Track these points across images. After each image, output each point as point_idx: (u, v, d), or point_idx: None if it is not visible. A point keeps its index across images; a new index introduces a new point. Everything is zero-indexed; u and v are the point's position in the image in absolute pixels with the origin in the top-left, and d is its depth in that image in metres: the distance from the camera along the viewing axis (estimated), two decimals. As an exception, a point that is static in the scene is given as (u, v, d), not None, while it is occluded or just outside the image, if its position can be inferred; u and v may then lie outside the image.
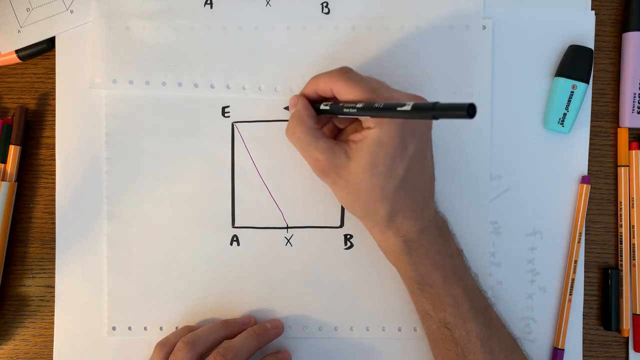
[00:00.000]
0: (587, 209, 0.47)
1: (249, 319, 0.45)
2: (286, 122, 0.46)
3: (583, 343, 0.47)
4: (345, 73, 0.40)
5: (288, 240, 0.47)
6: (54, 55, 0.47)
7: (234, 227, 0.47)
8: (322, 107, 0.41)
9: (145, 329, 0.46)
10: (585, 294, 0.47)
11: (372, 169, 0.38)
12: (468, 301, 0.40)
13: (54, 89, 0.47)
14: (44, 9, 0.47)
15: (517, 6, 0.47)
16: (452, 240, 0.42)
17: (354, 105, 0.38)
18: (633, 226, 0.46)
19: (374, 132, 0.38)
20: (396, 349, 0.46)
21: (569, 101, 0.45)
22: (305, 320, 0.46)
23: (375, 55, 0.46)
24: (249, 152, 0.47)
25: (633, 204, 0.46)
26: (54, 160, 0.47)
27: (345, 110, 0.38)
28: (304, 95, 0.43)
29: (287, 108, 0.46)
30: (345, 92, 0.39)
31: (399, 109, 0.34)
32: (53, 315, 0.47)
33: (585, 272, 0.47)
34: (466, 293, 0.40)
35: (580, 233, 0.46)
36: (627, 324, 0.47)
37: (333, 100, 0.41)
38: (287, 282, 0.46)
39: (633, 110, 0.46)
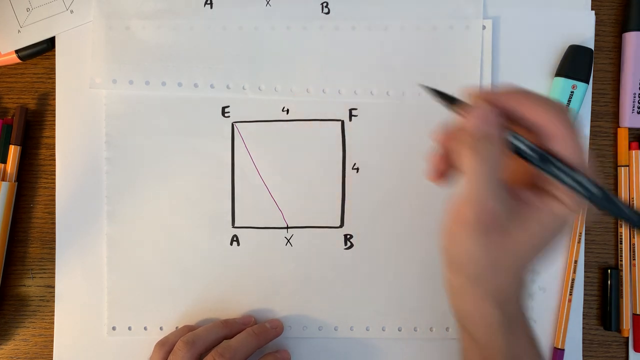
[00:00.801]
0: (587, 209, 0.46)
1: (249, 319, 0.45)
2: (286, 122, 0.46)
3: (583, 343, 0.47)
4: (568, 115, 0.30)
5: (288, 240, 0.47)
6: (54, 55, 0.47)
7: (234, 227, 0.47)
8: (516, 142, 0.31)
9: (145, 329, 0.46)
10: (585, 294, 0.47)
11: (534, 250, 0.31)
12: None
13: (54, 89, 0.47)
14: (44, 9, 0.47)
15: (517, 6, 0.47)
16: (530, 328, 0.36)
17: (570, 170, 0.29)
18: (633, 226, 0.46)
19: (565, 211, 0.30)
20: (396, 349, 0.46)
21: (569, 101, 0.45)
22: (305, 320, 0.46)
23: (375, 55, 0.46)
24: (249, 152, 0.47)
25: (633, 204, 0.46)
26: (54, 160, 0.47)
27: (553, 169, 0.29)
28: (487, 100, 0.31)
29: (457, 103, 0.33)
30: (564, 144, 0.30)
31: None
32: (53, 315, 0.47)
33: (585, 272, 0.47)
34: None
35: (580, 233, 0.46)
36: (627, 324, 0.47)
37: (524, 130, 0.31)
38: (287, 282, 0.46)
39: (633, 110, 0.46)
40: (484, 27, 0.46)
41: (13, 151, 0.47)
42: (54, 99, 0.47)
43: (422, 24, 0.46)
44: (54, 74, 0.47)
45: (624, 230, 0.47)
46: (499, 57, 0.47)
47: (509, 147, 0.31)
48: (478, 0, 0.46)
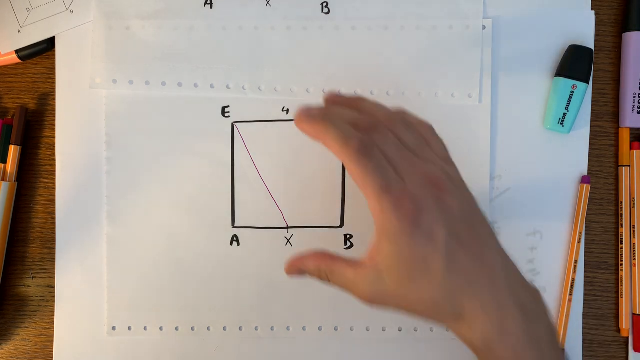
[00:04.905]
0: (587, 209, 0.46)
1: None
2: (286, 122, 0.46)
3: (583, 343, 0.47)
4: (349, 143, 0.33)
5: (288, 240, 0.47)
6: (54, 55, 0.47)
7: (234, 227, 0.47)
8: None
9: (145, 329, 0.46)
10: (585, 294, 0.47)
11: (410, 280, 0.33)
12: None
13: (54, 89, 0.47)
14: (44, 9, 0.47)
15: (517, 6, 0.47)
16: (543, 320, 0.34)
17: None
18: (633, 226, 0.46)
19: (383, 243, 0.33)
20: (396, 349, 0.46)
21: (569, 101, 0.45)
22: (305, 320, 0.46)
23: (375, 55, 0.46)
24: (249, 152, 0.47)
25: (634, 204, 0.46)
26: (54, 160, 0.47)
27: None
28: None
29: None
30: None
31: None
32: (53, 315, 0.47)
33: (585, 272, 0.47)
34: None
35: (580, 233, 0.46)
36: (627, 324, 0.47)
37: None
38: (287, 282, 0.46)
39: (633, 110, 0.46)
40: (484, 27, 0.46)
41: (13, 151, 0.47)
42: (54, 99, 0.47)
43: (422, 24, 0.46)
44: (54, 74, 0.47)
45: (624, 230, 0.47)
46: (499, 57, 0.47)
47: None
48: (478, 0, 0.46)
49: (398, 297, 0.34)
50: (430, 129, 0.38)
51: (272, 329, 0.46)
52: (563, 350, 0.36)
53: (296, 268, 0.37)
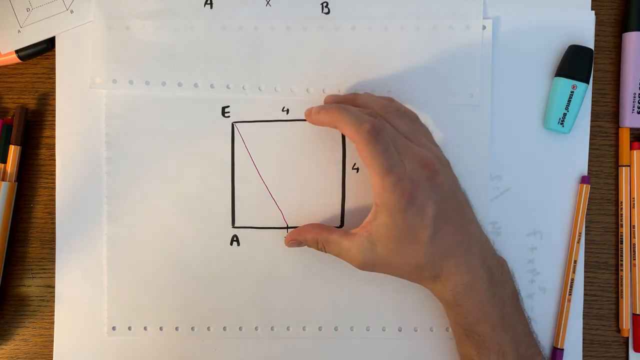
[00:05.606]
0: (587, 209, 0.47)
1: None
2: (286, 122, 0.46)
3: (583, 343, 0.47)
4: (363, 126, 0.38)
5: (288, 240, 0.47)
6: (54, 55, 0.47)
7: (234, 227, 0.47)
8: None
9: (145, 329, 0.46)
10: (585, 294, 0.47)
11: (399, 248, 0.39)
12: (514, 350, 0.39)
13: (54, 89, 0.47)
14: (44, 9, 0.47)
15: (517, 6, 0.47)
16: (507, 284, 0.41)
17: None
18: (633, 226, 0.46)
19: (380, 216, 0.39)
20: (396, 349, 0.46)
21: (569, 101, 0.45)
22: (305, 320, 0.46)
23: (375, 55, 0.46)
24: (249, 152, 0.47)
25: (634, 204, 0.46)
26: (54, 160, 0.47)
27: None
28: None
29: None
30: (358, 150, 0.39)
31: None
32: (53, 315, 0.47)
33: (585, 272, 0.47)
34: (513, 341, 0.39)
35: (580, 233, 0.46)
36: (627, 324, 0.47)
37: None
38: (287, 282, 0.46)
39: (633, 110, 0.46)
40: (484, 27, 0.46)
41: (13, 151, 0.47)
42: (54, 99, 0.47)
43: (422, 24, 0.46)
44: (54, 74, 0.47)
45: (624, 230, 0.47)
46: (499, 57, 0.47)
47: None
48: (478, 0, 0.46)
49: (386, 262, 0.40)
50: (416, 117, 0.43)
51: (272, 329, 0.46)
52: (528, 318, 0.42)
53: (295, 240, 0.43)
